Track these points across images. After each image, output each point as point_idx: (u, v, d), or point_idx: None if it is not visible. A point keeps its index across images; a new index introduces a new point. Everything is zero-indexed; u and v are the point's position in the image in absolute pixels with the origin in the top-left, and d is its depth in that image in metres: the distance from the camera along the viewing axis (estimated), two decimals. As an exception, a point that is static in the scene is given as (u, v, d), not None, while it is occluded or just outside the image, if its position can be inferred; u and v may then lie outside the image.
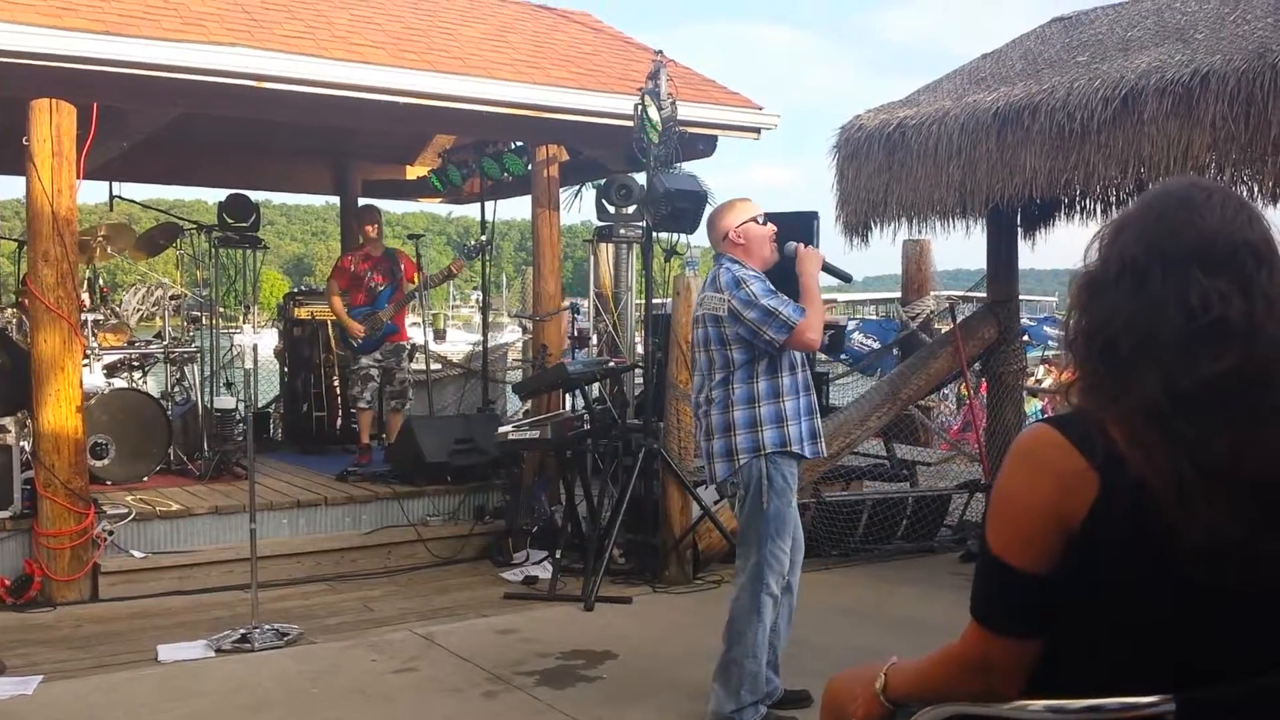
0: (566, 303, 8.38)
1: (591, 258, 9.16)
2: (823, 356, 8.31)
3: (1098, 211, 7.33)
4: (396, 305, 8.43)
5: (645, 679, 4.75)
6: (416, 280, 8.62)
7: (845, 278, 4.50)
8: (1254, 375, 1.41)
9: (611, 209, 7.52)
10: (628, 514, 6.34)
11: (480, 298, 11.10)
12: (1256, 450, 1.39)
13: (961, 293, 12.47)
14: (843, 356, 12.18)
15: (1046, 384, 11.67)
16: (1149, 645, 1.45)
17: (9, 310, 8.02)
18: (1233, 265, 1.44)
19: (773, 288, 4.13)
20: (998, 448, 7.61)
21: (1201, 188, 1.53)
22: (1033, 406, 10.72)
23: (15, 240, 9.69)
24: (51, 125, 5.99)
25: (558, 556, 6.44)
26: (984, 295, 8.64)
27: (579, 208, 8.99)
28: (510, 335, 14.71)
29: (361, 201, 10.43)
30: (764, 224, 4.29)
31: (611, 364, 7.66)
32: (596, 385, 7.78)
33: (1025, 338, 9.51)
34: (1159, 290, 1.44)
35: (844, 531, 6.91)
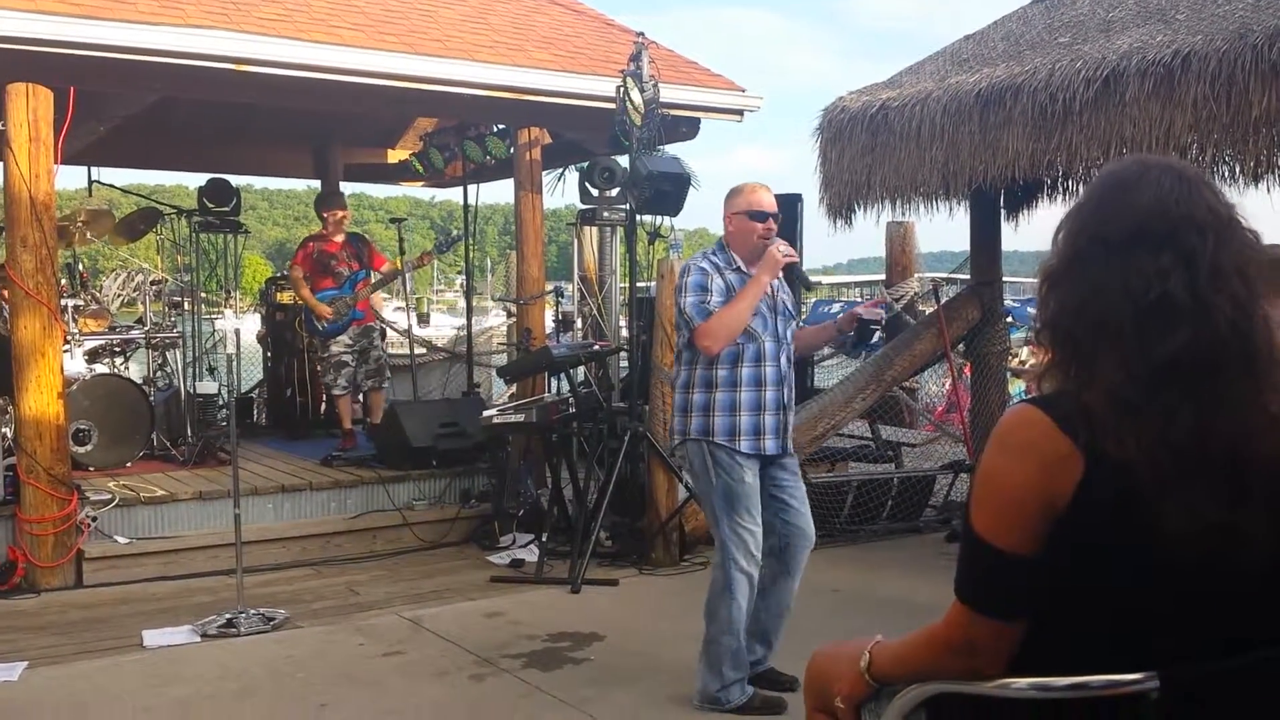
0: (550, 286, 8.36)
1: (575, 241, 9.14)
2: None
3: (1080, 192, 7.34)
4: (365, 290, 8.31)
5: (632, 660, 4.76)
6: (387, 268, 8.53)
7: (807, 285, 4.51)
8: (1210, 349, 1.41)
9: (595, 192, 7.50)
10: (614, 497, 6.35)
11: (464, 282, 11.07)
12: (1224, 425, 1.40)
13: (945, 274, 12.50)
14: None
15: (1030, 365, 11.72)
16: (1133, 624, 1.46)
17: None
18: (1173, 241, 1.45)
19: (704, 284, 4.18)
20: (982, 428, 7.65)
21: (1140, 164, 1.54)
22: (1017, 387, 10.76)
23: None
24: (28, 110, 5.94)
25: (544, 540, 6.44)
26: (968, 277, 8.67)
27: (562, 191, 8.98)
28: (495, 319, 14.71)
29: (347, 190, 10.39)
30: (762, 219, 4.27)
31: (596, 347, 7.65)
32: (581, 369, 7.78)
33: (1009, 319, 9.55)
34: (1102, 276, 1.46)
35: (829, 513, 6.93)
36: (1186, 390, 1.41)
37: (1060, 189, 7.72)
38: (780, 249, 4.21)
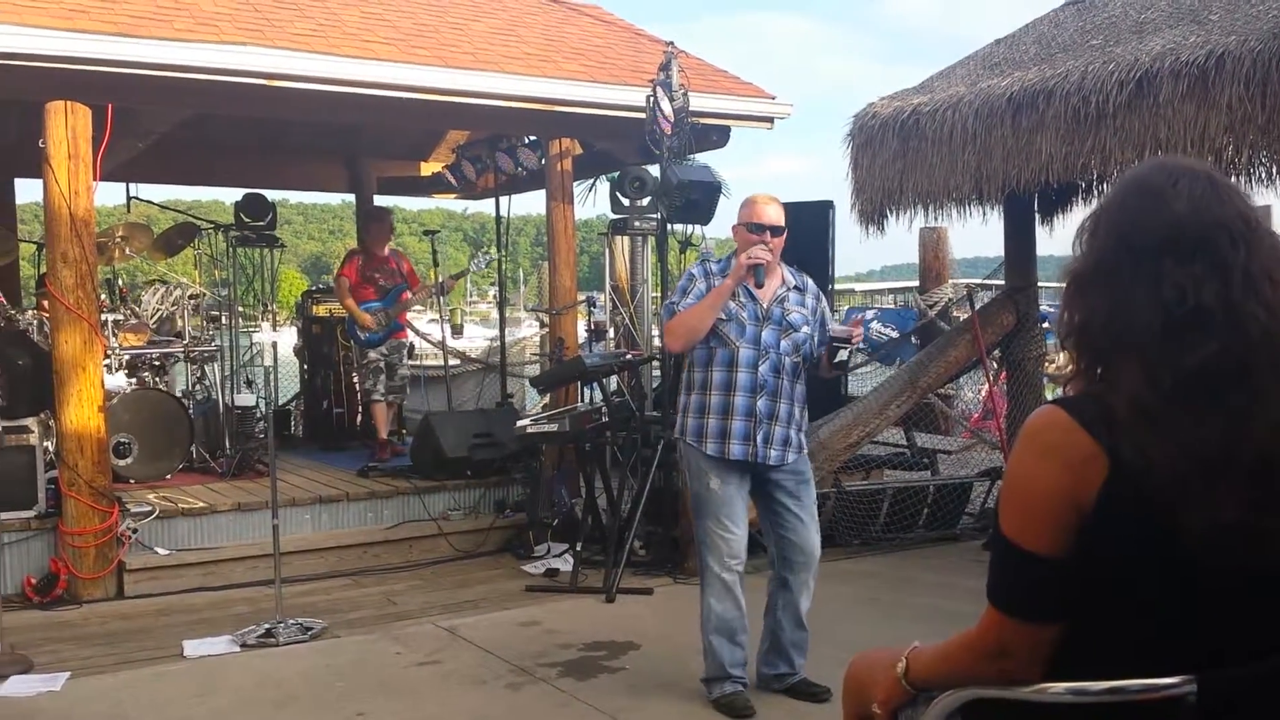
0: (583, 296, 8.39)
1: (607, 251, 9.16)
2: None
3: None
4: (404, 304, 8.56)
5: (667, 669, 4.76)
6: (421, 286, 8.72)
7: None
8: (1240, 357, 1.39)
9: (626, 201, 7.52)
10: (648, 506, 6.35)
11: (497, 293, 11.13)
12: (1250, 432, 1.38)
13: (980, 280, 12.43)
14: (860, 346, 12.14)
15: (1068, 370, 11.62)
16: (1165, 626, 1.45)
17: (30, 312, 8.07)
18: (1206, 249, 1.43)
19: (686, 287, 4.37)
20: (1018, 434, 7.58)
21: (1168, 171, 1.51)
22: (1054, 392, 10.67)
23: (34, 243, 9.76)
24: (67, 127, 6.03)
25: (578, 549, 6.45)
26: (1002, 282, 8.61)
27: (594, 201, 8.98)
28: (527, 329, 14.75)
29: (379, 203, 10.49)
30: (758, 231, 4.30)
31: (629, 356, 7.66)
32: (614, 378, 7.78)
33: (1045, 324, 9.47)
34: (1129, 285, 1.44)
35: (865, 521, 6.91)
36: (1214, 399, 1.40)
37: (1095, 192, 7.65)
38: (747, 253, 4.23)
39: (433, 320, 10.17)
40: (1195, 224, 1.44)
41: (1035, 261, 8.19)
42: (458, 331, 11.36)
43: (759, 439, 4.26)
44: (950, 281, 11.68)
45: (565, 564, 6.53)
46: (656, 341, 8.36)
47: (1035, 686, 1.50)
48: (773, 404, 4.30)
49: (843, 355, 4.39)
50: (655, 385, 7.85)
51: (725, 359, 4.29)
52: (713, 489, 4.29)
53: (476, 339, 15.48)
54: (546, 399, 8.03)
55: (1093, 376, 1.49)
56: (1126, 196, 1.53)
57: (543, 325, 10.34)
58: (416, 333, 10.04)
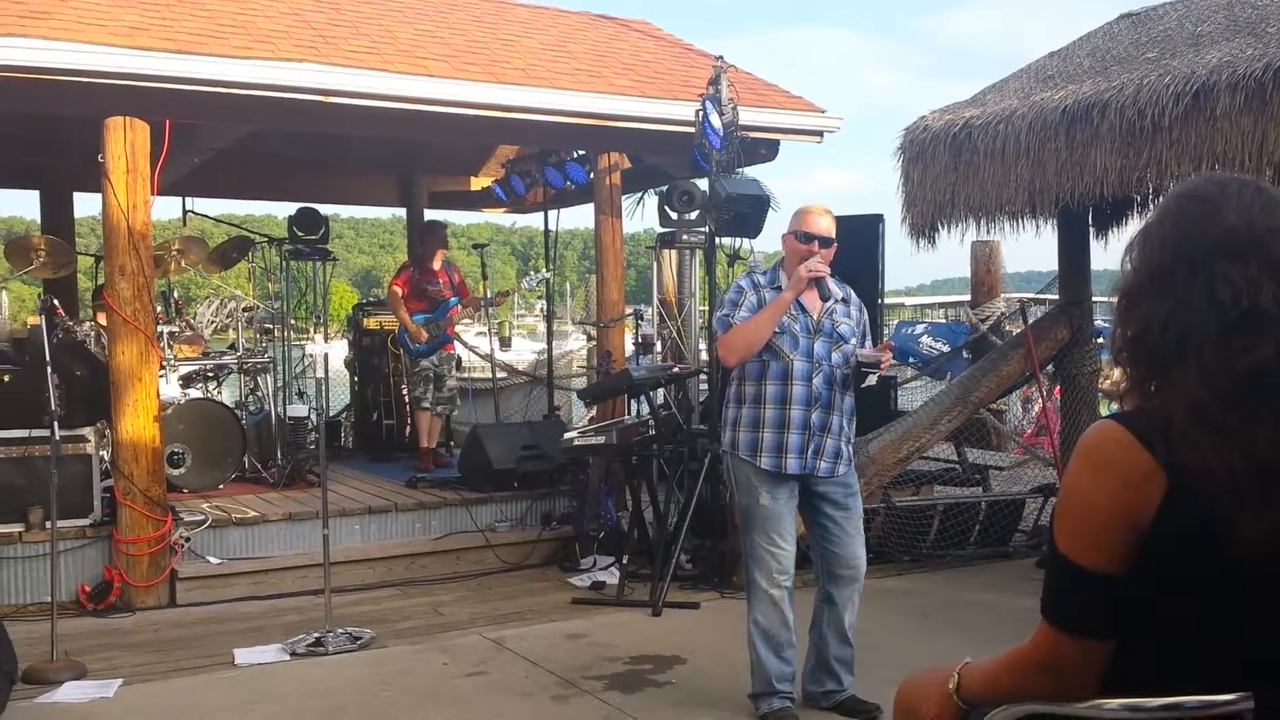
0: (630, 309, 8.41)
1: (655, 264, 9.17)
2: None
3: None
4: (455, 317, 8.66)
5: (714, 684, 4.74)
6: (469, 302, 8.83)
7: (826, 297, 4.44)
8: None
9: (674, 215, 7.52)
10: (694, 519, 6.33)
11: (545, 306, 11.18)
12: None
13: (1033, 294, 12.28)
14: (910, 360, 12.05)
15: (1122, 386, 11.45)
16: (1222, 642, 1.42)
17: (87, 324, 8.23)
18: (1259, 252, 1.43)
19: (736, 300, 4.34)
20: (1072, 451, 7.47)
21: (1216, 182, 1.53)
22: (1109, 408, 10.52)
23: (93, 255, 9.95)
24: (126, 143, 6.14)
25: (624, 562, 6.44)
26: (1056, 297, 8.50)
27: (641, 215, 9.03)
28: (575, 343, 14.78)
29: (429, 215, 10.58)
30: (807, 241, 4.29)
31: (676, 369, 7.66)
32: (661, 391, 7.78)
33: (1100, 339, 9.34)
34: (1185, 289, 1.44)
35: (915, 537, 6.83)
36: (1271, 401, 1.38)
37: (1150, 206, 7.54)
38: (806, 268, 4.22)
39: (480, 333, 10.24)
40: (1248, 229, 1.45)
41: (1090, 276, 8.08)
42: (505, 344, 11.44)
43: (810, 451, 4.25)
44: (1002, 296, 11.56)
45: (611, 577, 6.52)
46: (704, 355, 8.35)
47: (1090, 703, 1.48)
48: (826, 416, 4.28)
49: (871, 380, 4.35)
50: (702, 398, 7.84)
51: (779, 372, 4.26)
52: (763, 504, 4.26)
53: (524, 352, 15.57)
54: (593, 412, 8.04)
55: (1146, 390, 1.47)
56: (1177, 208, 1.53)
57: (590, 338, 10.37)
58: (465, 345, 10.11)
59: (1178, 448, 1.39)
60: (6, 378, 7.33)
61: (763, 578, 4.29)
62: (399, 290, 8.65)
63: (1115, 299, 1.55)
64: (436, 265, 8.77)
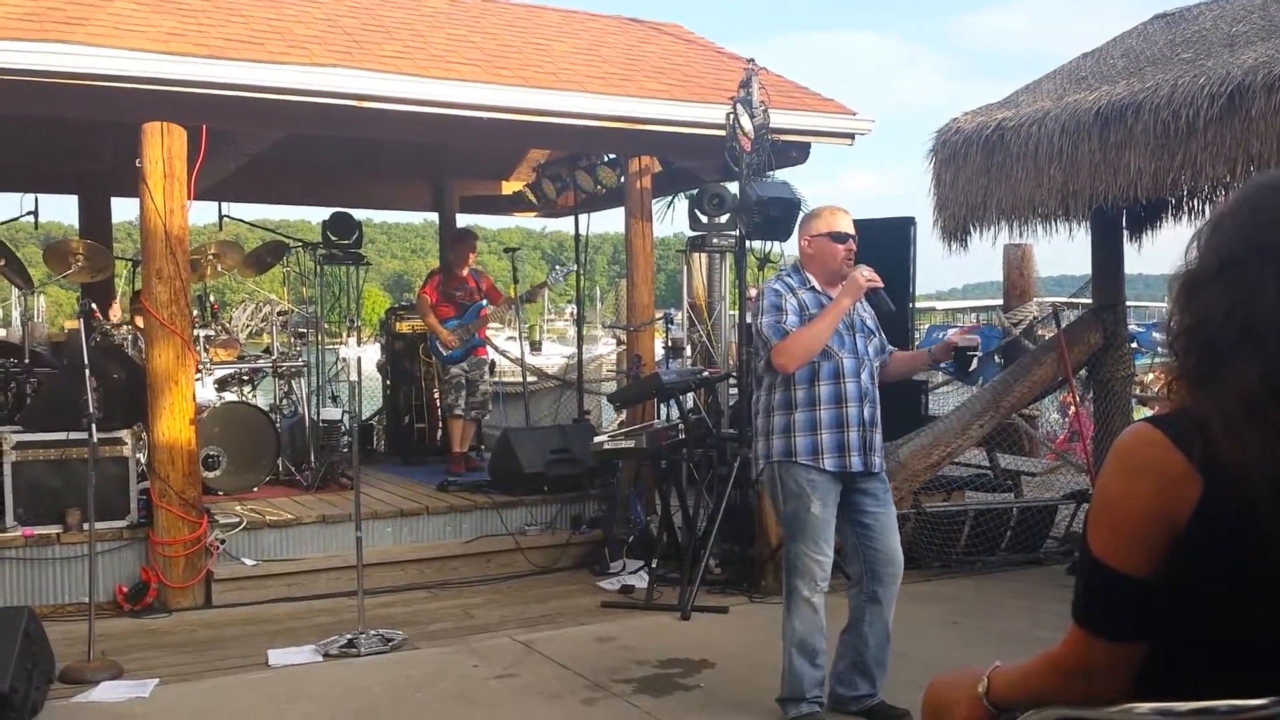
0: (660, 313, 8.42)
1: (685, 268, 9.18)
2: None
3: (1206, 212, 7.12)
4: (483, 320, 8.74)
5: (742, 688, 4.73)
6: (502, 302, 8.88)
7: (888, 310, 4.46)
8: None
9: (704, 219, 7.52)
10: (723, 524, 6.32)
11: (575, 310, 11.23)
12: None
13: (1066, 298, 12.19)
14: (941, 366, 11.97)
15: (1159, 388, 11.33)
16: (1257, 647, 1.41)
17: (124, 327, 8.33)
18: None
19: (779, 304, 4.24)
20: (1105, 457, 7.40)
21: None
22: (1142, 414, 10.42)
23: (130, 259, 10.07)
24: (163, 147, 6.21)
25: (654, 566, 6.45)
26: (1089, 300, 8.43)
27: (671, 218, 9.04)
28: (604, 347, 14.82)
29: (461, 222, 10.65)
30: (843, 241, 4.29)
31: (705, 374, 7.65)
32: (691, 395, 7.79)
33: (1134, 344, 9.25)
34: (1257, 281, 1.41)
35: (945, 543, 6.80)
36: None
37: (1185, 208, 7.49)
38: (864, 273, 4.24)
39: (511, 338, 10.28)
40: None
41: (1123, 279, 8.01)
42: (536, 348, 11.48)
43: (866, 448, 4.27)
44: (1035, 299, 11.48)
45: (640, 581, 6.53)
46: (733, 359, 8.35)
47: (1120, 707, 1.47)
48: (874, 411, 4.32)
49: (975, 364, 4.39)
50: (732, 403, 7.83)
51: (831, 371, 4.25)
52: (813, 511, 4.22)
53: (554, 356, 15.62)
54: (623, 415, 8.05)
55: (1198, 376, 1.44)
56: (1252, 201, 1.49)
57: (620, 342, 10.39)
58: (496, 349, 10.17)
59: (1225, 442, 1.37)
60: (35, 384, 7.45)
61: (805, 586, 4.27)
62: (428, 298, 8.74)
63: (1177, 287, 1.51)
64: (464, 272, 8.84)
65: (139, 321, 7.56)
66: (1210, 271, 1.46)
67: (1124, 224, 7.74)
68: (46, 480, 6.33)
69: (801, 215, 4.72)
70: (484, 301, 8.76)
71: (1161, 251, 8.03)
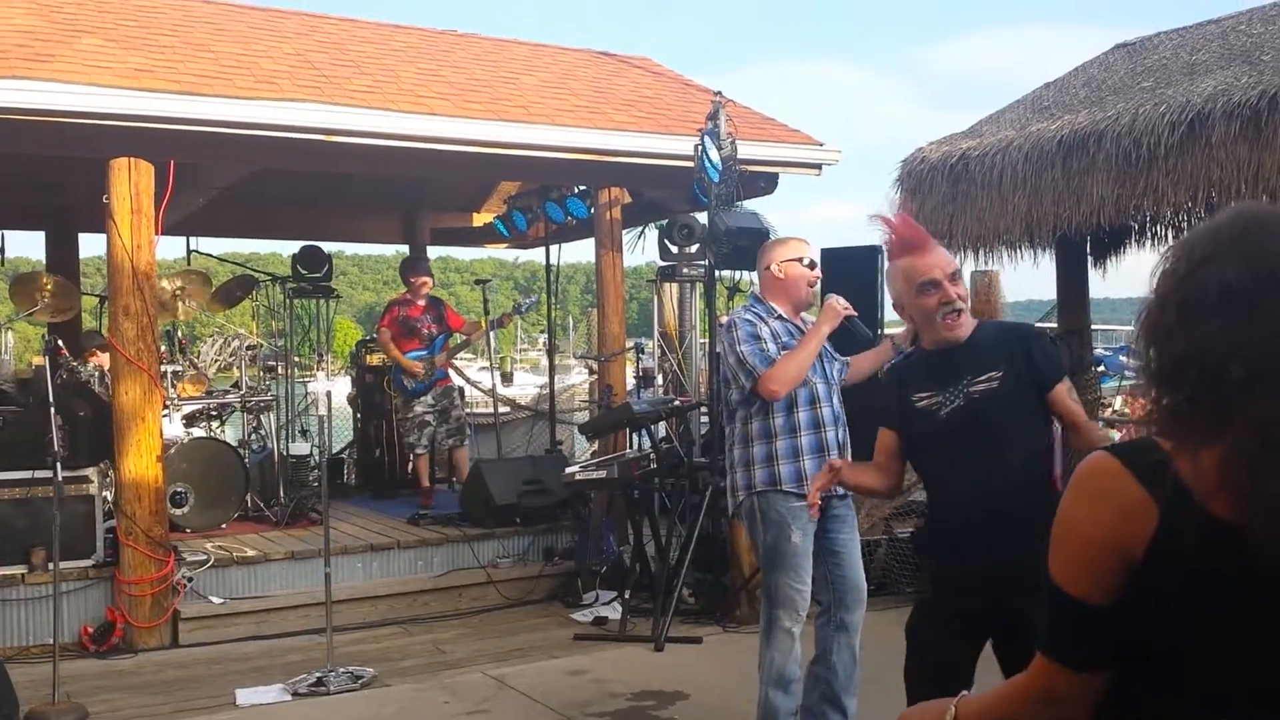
0: (631, 343, 8.43)
1: (655, 297, 9.21)
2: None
3: (1169, 237, 7.23)
4: (449, 352, 8.70)
5: (716, 719, 4.71)
6: (467, 326, 8.86)
7: (865, 337, 4.48)
8: None
9: (674, 249, 7.55)
10: (696, 553, 6.32)
11: (547, 340, 11.23)
12: None
13: (1033, 324, 12.27)
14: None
15: (1136, 408, 11.39)
16: (1222, 675, 1.41)
17: (91, 364, 8.25)
18: None
19: (756, 333, 4.23)
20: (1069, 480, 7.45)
21: None
22: (1111, 438, 10.48)
23: (97, 295, 9.99)
24: (130, 183, 6.18)
25: (627, 597, 6.42)
26: (1055, 325, 8.52)
27: (642, 248, 9.07)
28: (577, 377, 14.78)
29: (433, 254, 10.65)
30: (810, 268, 4.34)
31: (677, 402, 7.67)
32: (662, 424, 7.79)
33: (1100, 368, 9.34)
34: (1275, 314, 1.35)
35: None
36: None
37: (1149, 234, 7.59)
38: (839, 302, 4.27)
39: (483, 368, 10.26)
40: None
41: (1088, 304, 8.11)
42: (507, 379, 11.43)
43: None
44: (1003, 326, 11.55)
45: (614, 612, 6.50)
46: (704, 387, 8.36)
47: (1084, 735, 1.47)
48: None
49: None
50: (703, 431, 7.84)
51: (808, 397, 4.25)
52: (794, 540, 4.19)
53: (526, 386, 15.55)
54: (595, 445, 8.04)
55: (1190, 412, 1.38)
56: (1247, 225, 1.42)
57: (592, 372, 10.38)
58: (467, 380, 10.13)
59: (1217, 479, 1.33)
60: (1, 422, 7.36)
61: (787, 616, 4.23)
62: (388, 332, 8.71)
63: (1163, 311, 1.42)
64: (421, 302, 8.80)
65: (101, 359, 7.49)
66: (1210, 299, 1.38)
67: (1088, 250, 7.83)
68: (11, 519, 6.24)
69: (763, 245, 4.72)
70: (444, 335, 8.73)
71: (1125, 276, 8.13)
